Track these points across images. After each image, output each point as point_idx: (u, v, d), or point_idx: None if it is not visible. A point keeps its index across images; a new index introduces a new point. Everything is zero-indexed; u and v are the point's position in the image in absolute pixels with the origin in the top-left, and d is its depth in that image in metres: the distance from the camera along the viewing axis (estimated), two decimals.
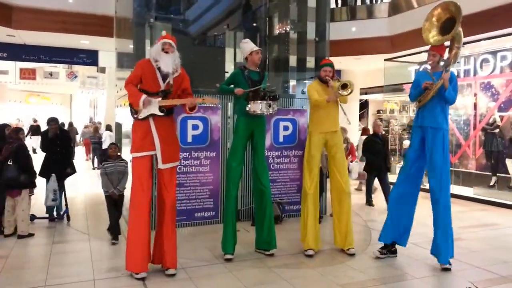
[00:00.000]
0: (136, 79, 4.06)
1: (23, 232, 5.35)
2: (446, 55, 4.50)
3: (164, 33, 4.08)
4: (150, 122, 4.04)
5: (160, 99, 4.03)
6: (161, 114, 4.06)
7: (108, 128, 13.55)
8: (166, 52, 4.01)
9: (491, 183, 8.73)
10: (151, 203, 4.09)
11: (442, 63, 4.52)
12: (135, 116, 4.06)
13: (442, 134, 4.39)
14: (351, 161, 7.76)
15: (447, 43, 4.47)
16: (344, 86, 4.58)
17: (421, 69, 10.28)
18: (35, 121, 19.81)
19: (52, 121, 6.35)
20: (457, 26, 4.22)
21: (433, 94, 4.36)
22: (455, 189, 9.27)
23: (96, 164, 13.26)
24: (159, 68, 4.03)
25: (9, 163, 5.35)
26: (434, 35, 4.39)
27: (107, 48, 10.93)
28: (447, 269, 4.32)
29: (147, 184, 4.04)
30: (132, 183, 4.05)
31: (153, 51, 4.08)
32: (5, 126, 6.41)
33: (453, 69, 9.52)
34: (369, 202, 7.78)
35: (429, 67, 4.63)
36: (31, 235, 5.41)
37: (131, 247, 3.99)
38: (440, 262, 4.38)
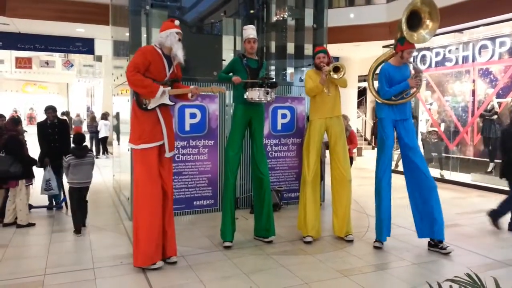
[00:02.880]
0: (143, 67, 3.87)
1: (22, 221, 5.37)
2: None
3: (177, 22, 4.03)
4: (158, 112, 3.99)
5: (169, 88, 4.00)
6: (172, 103, 4.05)
7: (103, 117, 13.47)
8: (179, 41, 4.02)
9: (489, 169, 8.77)
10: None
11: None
12: (144, 106, 3.94)
13: (412, 121, 4.69)
14: (351, 149, 7.66)
15: None
16: (336, 69, 4.57)
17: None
18: (62, 114, 20.79)
19: (50, 109, 6.35)
20: (437, 18, 4.21)
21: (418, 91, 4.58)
22: (453, 175, 9.32)
23: (94, 153, 13.25)
24: (167, 56, 3.99)
25: (1, 154, 5.31)
26: (408, 30, 4.24)
27: (103, 36, 10.81)
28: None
29: (157, 175, 3.99)
30: (140, 175, 3.93)
31: (165, 38, 3.94)
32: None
33: (449, 55, 9.47)
34: (495, 222, 5.36)
35: (392, 62, 4.62)
36: (31, 224, 5.43)
37: (146, 241, 3.88)
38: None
